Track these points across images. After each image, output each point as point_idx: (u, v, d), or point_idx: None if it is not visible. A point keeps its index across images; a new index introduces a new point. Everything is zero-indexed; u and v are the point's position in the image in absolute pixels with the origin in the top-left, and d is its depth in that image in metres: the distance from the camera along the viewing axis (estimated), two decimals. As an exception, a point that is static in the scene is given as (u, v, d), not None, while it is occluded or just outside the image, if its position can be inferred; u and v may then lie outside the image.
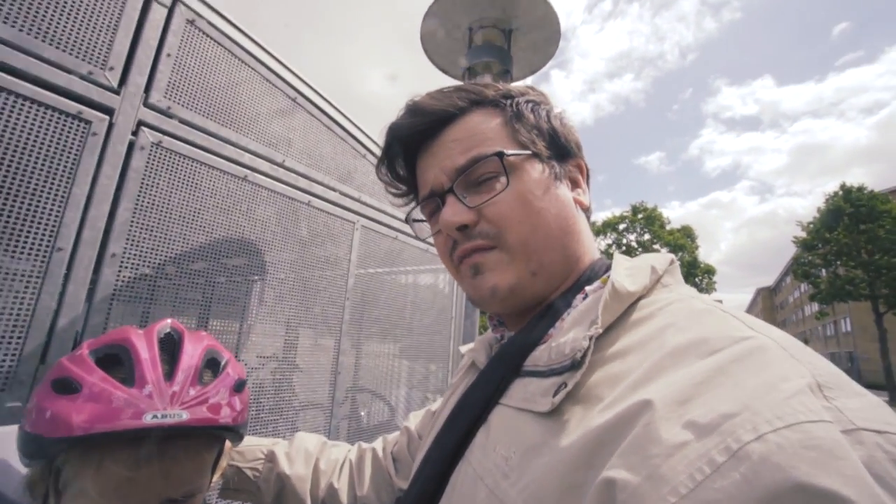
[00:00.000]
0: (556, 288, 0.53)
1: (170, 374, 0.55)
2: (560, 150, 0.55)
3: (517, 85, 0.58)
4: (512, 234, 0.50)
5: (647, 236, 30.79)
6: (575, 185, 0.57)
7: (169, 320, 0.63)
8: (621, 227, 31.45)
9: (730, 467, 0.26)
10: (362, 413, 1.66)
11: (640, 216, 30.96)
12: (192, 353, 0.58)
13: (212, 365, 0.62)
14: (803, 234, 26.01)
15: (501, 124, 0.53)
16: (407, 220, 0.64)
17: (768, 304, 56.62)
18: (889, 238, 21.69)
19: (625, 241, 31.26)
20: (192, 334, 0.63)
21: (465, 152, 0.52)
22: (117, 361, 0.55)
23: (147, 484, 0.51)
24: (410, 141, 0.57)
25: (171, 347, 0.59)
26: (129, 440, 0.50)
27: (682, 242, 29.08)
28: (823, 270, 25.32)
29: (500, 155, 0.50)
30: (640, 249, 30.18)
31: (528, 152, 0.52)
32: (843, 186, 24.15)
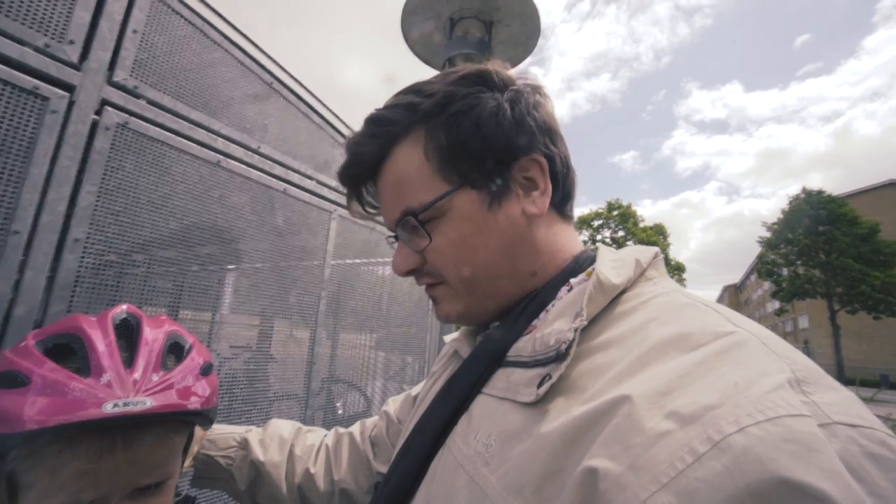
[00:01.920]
0: (518, 296, 0.52)
1: (130, 362, 0.52)
2: (498, 160, 0.50)
3: (466, 68, 0.52)
4: (451, 276, 0.52)
5: (621, 233, 31.58)
6: (531, 188, 0.51)
7: (124, 306, 0.59)
8: (596, 223, 32.14)
9: (711, 457, 0.27)
10: (338, 404, 1.65)
11: (615, 213, 31.71)
12: (152, 339, 0.55)
13: (175, 350, 0.59)
14: (768, 234, 27.26)
15: (423, 160, 0.50)
16: (389, 243, 0.63)
17: (734, 301, 59.14)
18: (844, 240, 22.99)
19: (599, 237, 31.97)
20: (152, 319, 0.59)
21: (397, 205, 0.52)
22: (69, 351, 0.51)
23: (112, 474, 0.49)
24: (359, 186, 0.58)
25: (128, 334, 0.56)
26: (88, 432, 0.47)
27: (654, 240, 29.97)
28: (785, 269, 26.64)
29: (414, 214, 0.50)
30: (614, 246, 30.88)
31: (454, 186, 0.49)
32: (804, 189, 25.39)
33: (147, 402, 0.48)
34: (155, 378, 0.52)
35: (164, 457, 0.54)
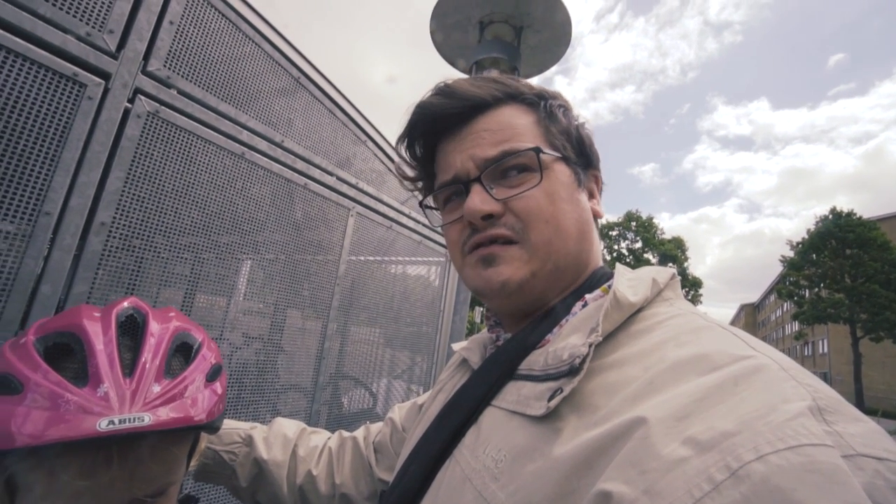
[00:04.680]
0: (561, 291, 0.52)
1: (131, 367, 0.48)
2: (585, 158, 0.56)
3: (547, 88, 0.59)
4: (537, 231, 0.49)
5: (638, 244, 31.06)
6: (591, 195, 0.58)
7: (125, 302, 0.55)
8: (613, 233, 31.67)
9: (729, 486, 0.26)
10: (344, 399, 1.66)
11: (633, 224, 31.20)
12: (157, 340, 0.52)
13: (183, 350, 0.55)
14: (791, 254, 26.44)
15: (534, 122, 0.54)
16: (421, 206, 0.63)
17: (751, 321, 57.61)
18: (873, 265, 22.14)
19: (616, 247, 31.51)
20: (159, 314, 0.56)
21: (497, 144, 0.51)
22: (69, 352, 0.48)
23: (108, 488, 0.46)
24: (438, 122, 0.55)
25: (133, 331, 0.53)
26: (82, 446, 0.44)
27: (673, 253, 29.40)
28: (807, 291, 25.82)
29: (538, 151, 0.50)
30: (630, 257, 30.46)
31: (559, 154, 0.53)
32: (833, 210, 24.54)
33: (145, 419, 0.45)
34: (157, 389, 0.48)
35: (163, 470, 0.51)
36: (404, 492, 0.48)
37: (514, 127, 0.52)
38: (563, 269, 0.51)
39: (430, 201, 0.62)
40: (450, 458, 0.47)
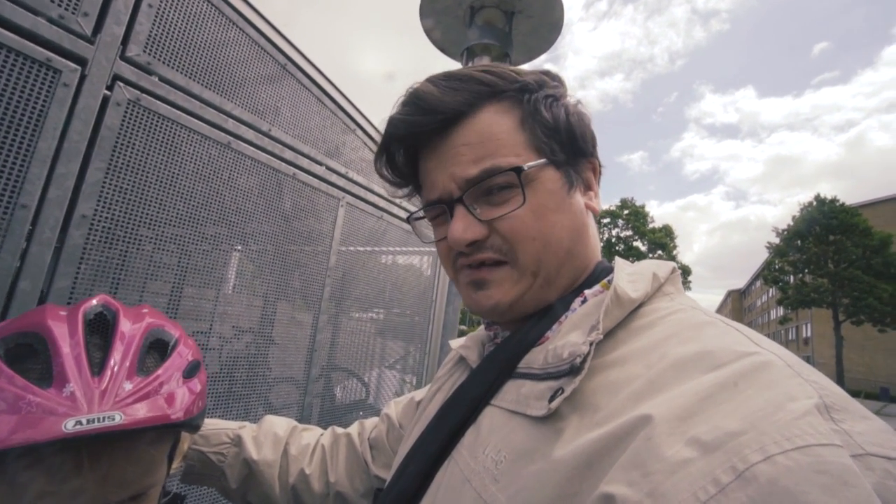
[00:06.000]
0: (559, 292, 0.51)
1: (101, 366, 0.46)
2: (576, 151, 0.51)
3: (532, 70, 0.52)
4: (525, 251, 0.47)
5: (627, 232, 31.36)
6: (588, 187, 0.54)
7: (94, 300, 0.52)
8: (604, 220, 31.90)
9: (736, 488, 0.25)
10: (336, 391, 1.66)
11: (626, 212, 31.46)
12: (129, 337, 0.49)
13: (157, 347, 0.53)
14: (777, 241, 26.94)
15: (516, 126, 0.49)
16: (408, 221, 0.59)
17: (737, 307, 58.83)
18: (855, 251, 22.69)
19: (606, 235, 31.75)
20: (131, 312, 0.54)
21: (478, 161, 0.47)
22: (31, 352, 0.46)
23: (78, 494, 0.43)
24: (414, 138, 0.52)
25: (104, 330, 0.50)
26: (49, 450, 0.42)
27: (664, 241, 29.74)
28: (792, 277, 26.40)
29: (518, 171, 0.46)
30: (620, 245, 30.77)
31: (544, 161, 0.48)
32: (817, 197, 24.98)
33: (116, 418, 0.42)
34: (128, 386, 0.46)
35: (139, 472, 0.48)
36: (401, 492, 0.48)
37: (494, 137, 0.47)
38: (555, 278, 0.49)
39: (418, 212, 0.58)
40: (448, 459, 0.46)
